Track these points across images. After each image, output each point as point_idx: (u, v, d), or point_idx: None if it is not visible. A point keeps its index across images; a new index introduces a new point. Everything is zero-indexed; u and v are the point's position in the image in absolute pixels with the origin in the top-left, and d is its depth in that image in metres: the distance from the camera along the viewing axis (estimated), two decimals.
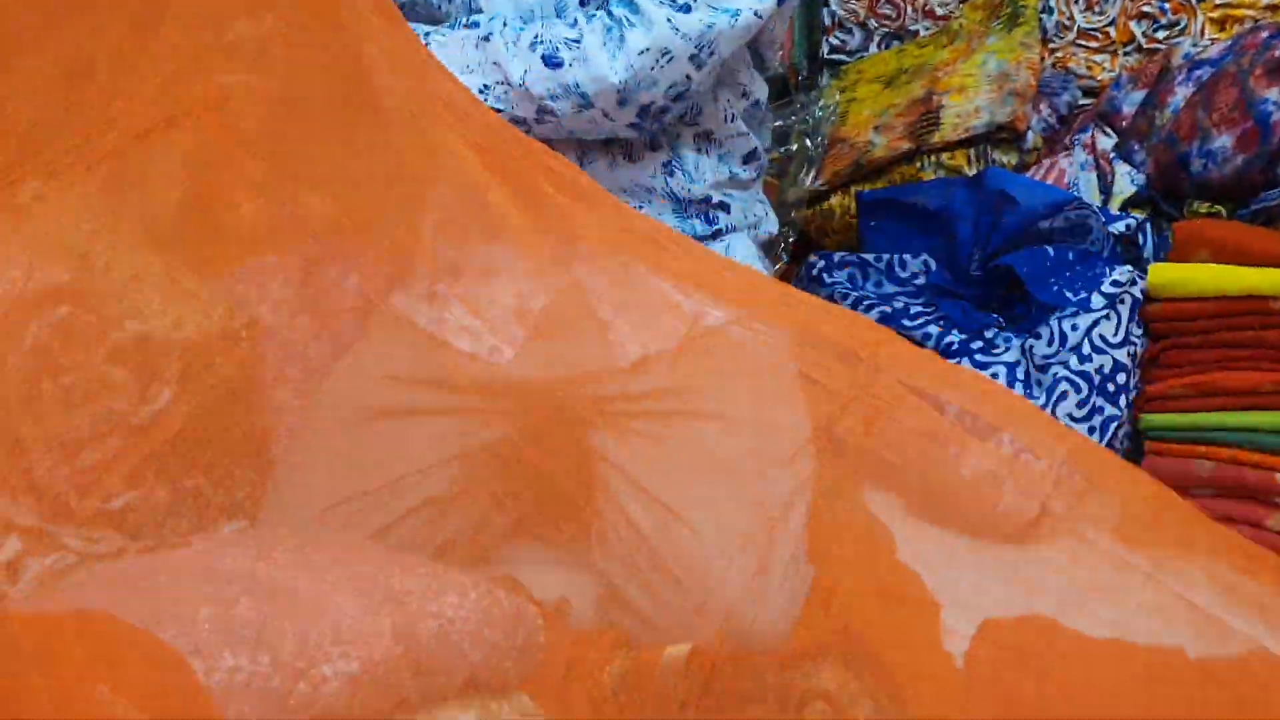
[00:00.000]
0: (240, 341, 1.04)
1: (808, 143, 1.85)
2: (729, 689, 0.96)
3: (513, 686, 0.68)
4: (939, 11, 2.14)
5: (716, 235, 1.25)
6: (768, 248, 1.32)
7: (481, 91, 1.15)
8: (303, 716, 0.57)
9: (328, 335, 1.27)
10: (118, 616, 0.58)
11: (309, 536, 0.74)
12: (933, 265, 1.55)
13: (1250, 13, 1.82)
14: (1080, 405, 1.40)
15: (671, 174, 1.23)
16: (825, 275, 1.59)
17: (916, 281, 1.56)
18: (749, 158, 1.29)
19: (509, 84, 1.14)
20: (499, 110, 1.16)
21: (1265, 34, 1.59)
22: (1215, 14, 1.86)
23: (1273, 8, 1.79)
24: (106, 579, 0.66)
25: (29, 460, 0.94)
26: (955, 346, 1.48)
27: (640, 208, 1.23)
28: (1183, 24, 1.90)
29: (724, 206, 1.25)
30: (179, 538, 0.77)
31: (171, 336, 1.01)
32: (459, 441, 1.04)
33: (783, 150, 1.84)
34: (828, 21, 2.29)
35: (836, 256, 1.62)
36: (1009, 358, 1.46)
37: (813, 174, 1.82)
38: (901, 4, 2.20)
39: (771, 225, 1.30)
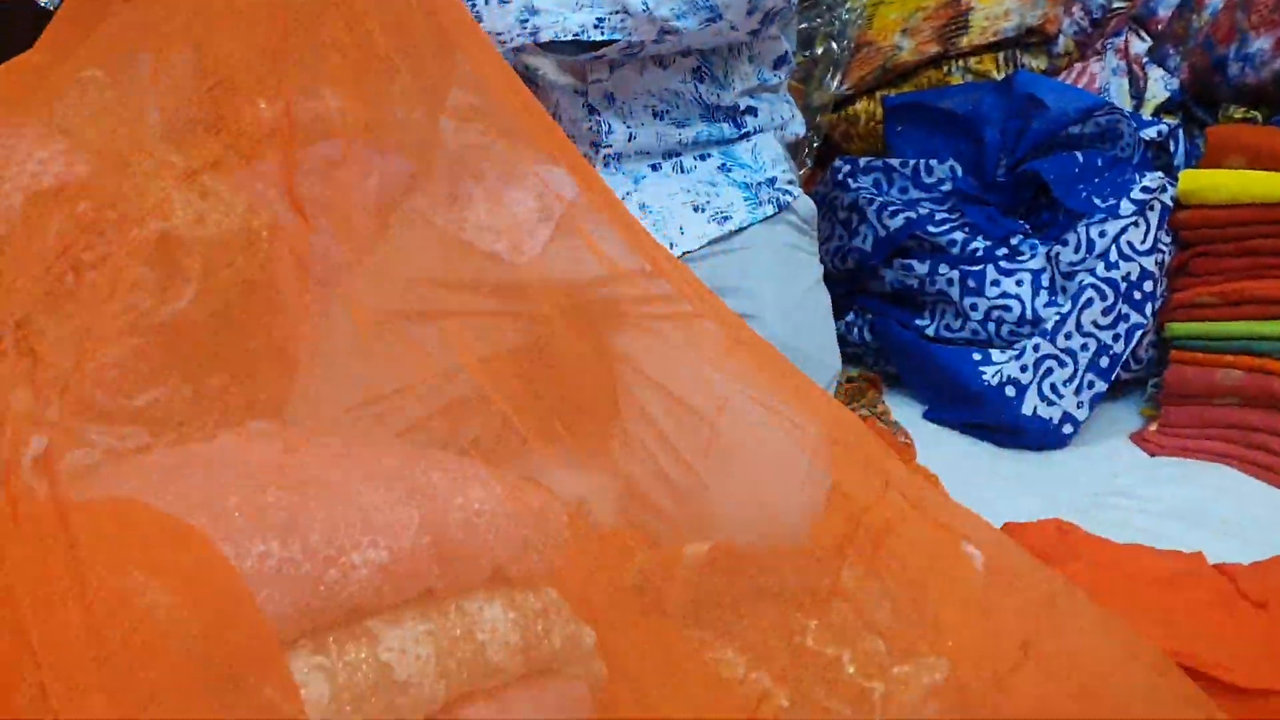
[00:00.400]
0: (261, 241, 1.03)
1: (833, 46, 1.81)
2: (750, 586, 0.97)
3: (538, 580, 0.68)
4: None
5: (744, 137, 1.23)
6: (793, 150, 1.30)
7: (597, 25, 1.12)
8: (333, 603, 0.57)
9: (348, 236, 1.26)
10: (148, 505, 0.59)
11: (335, 433, 0.74)
12: (959, 171, 1.53)
13: None
14: (1106, 313, 1.39)
15: (701, 80, 1.20)
16: (850, 180, 1.56)
17: (942, 187, 1.54)
18: (779, 62, 1.27)
19: (627, 12, 1.11)
20: (613, 40, 1.13)
21: None
22: None
23: None
24: (134, 471, 0.66)
25: (54, 356, 0.94)
26: (980, 253, 1.46)
27: (668, 111, 1.21)
28: None
29: (752, 110, 1.23)
30: (204, 434, 0.77)
31: (193, 234, 1.01)
32: (480, 344, 1.04)
33: (808, 54, 1.80)
34: None
35: (862, 161, 1.59)
36: (1034, 265, 1.44)
37: (838, 78, 1.78)
38: None
39: (798, 126, 1.28)
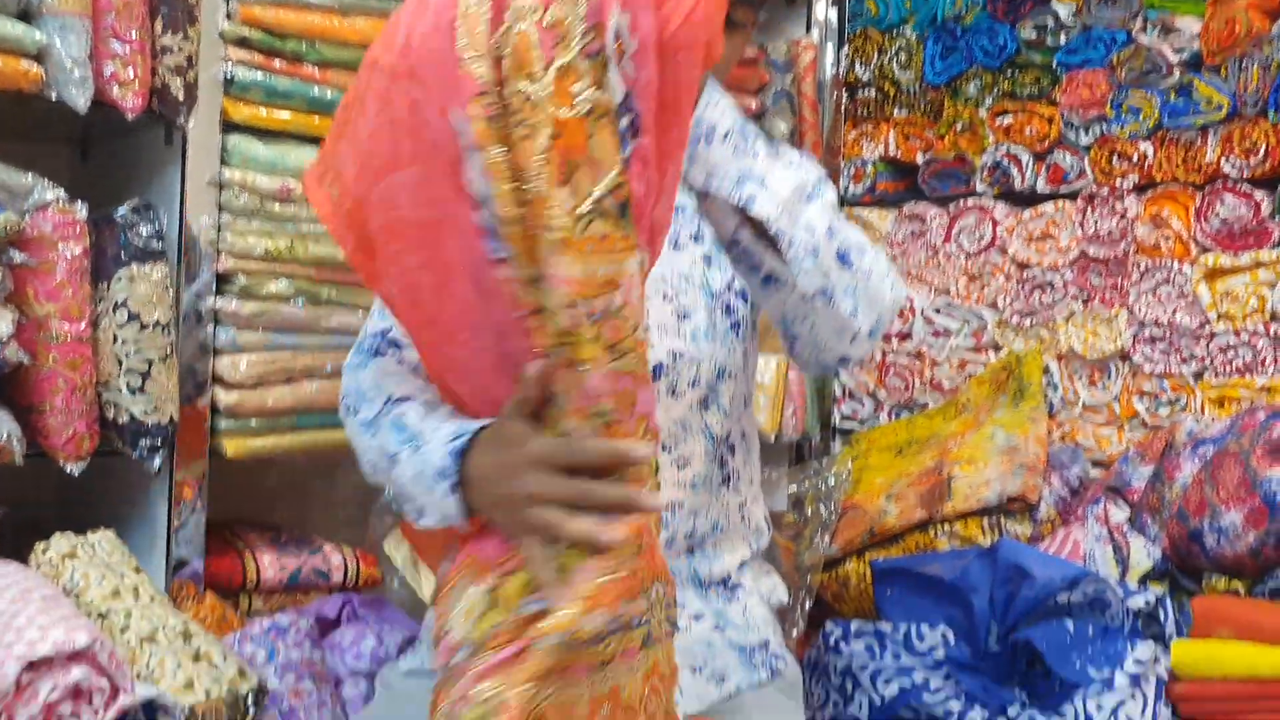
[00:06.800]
0: (246, 712, 1.02)
1: (821, 508, 1.88)
2: None
3: None
4: (946, 385, 2.23)
5: (734, 599, 1.25)
6: (781, 615, 1.31)
7: None
8: None
9: (335, 701, 1.24)
10: None
11: None
12: (951, 639, 1.53)
13: (1246, 394, 1.88)
14: None
15: (691, 553, 1.24)
16: (842, 644, 1.56)
17: (935, 654, 1.53)
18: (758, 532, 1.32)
19: None
20: None
21: (1262, 415, 1.64)
22: (1213, 394, 1.92)
23: (1268, 389, 1.86)
24: None
25: None
26: None
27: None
28: (1183, 402, 1.96)
29: (740, 583, 1.26)
30: None
31: (180, 700, 1.00)
32: None
33: (798, 516, 1.87)
34: (838, 392, 2.39)
35: (853, 626, 1.60)
36: None
37: (827, 539, 1.83)
38: (909, 376, 2.29)
39: (782, 594, 1.30)
